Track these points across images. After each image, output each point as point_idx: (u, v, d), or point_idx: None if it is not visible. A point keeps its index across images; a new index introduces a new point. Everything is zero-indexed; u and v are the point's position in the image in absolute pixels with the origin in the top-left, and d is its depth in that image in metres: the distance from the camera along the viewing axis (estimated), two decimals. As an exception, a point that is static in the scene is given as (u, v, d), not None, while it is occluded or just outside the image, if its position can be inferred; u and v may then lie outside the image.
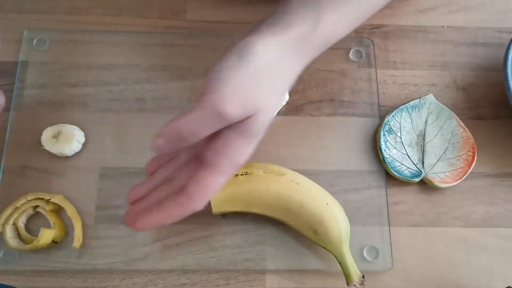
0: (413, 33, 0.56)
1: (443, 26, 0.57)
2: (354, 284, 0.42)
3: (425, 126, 0.51)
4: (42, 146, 0.47)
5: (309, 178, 0.46)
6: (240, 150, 0.36)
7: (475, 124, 0.52)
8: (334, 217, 0.44)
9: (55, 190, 0.47)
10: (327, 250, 0.44)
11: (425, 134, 0.51)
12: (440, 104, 0.52)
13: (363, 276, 0.43)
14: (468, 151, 0.50)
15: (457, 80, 0.54)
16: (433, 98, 0.52)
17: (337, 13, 0.40)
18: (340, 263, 0.44)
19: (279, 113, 0.51)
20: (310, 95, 0.52)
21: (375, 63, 0.54)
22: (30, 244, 0.44)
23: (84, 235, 0.46)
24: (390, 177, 0.50)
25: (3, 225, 0.44)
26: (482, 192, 0.50)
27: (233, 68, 0.35)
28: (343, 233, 0.44)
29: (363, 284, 0.43)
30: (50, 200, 0.45)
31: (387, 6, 0.57)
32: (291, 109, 0.52)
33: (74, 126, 0.49)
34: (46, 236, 0.44)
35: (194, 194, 0.36)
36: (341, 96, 0.53)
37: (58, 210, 0.47)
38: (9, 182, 0.48)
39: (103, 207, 0.47)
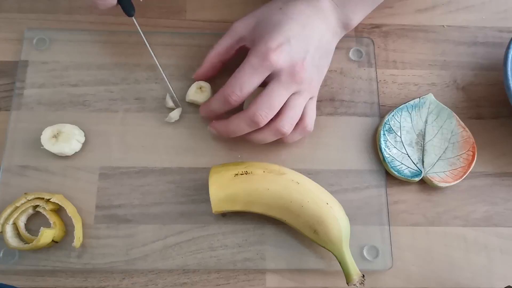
0: (413, 32, 0.56)
1: (443, 26, 0.57)
2: (354, 283, 0.42)
3: (425, 126, 0.51)
4: (42, 146, 0.47)
5: (309, 178, 0.46)
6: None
7: (475, 123, 0.52)
8: (334, 216, 0.44)
9: (55, 189, 0.47)
10: (327, 249, 0.44)
11: (425, 134, 0.51)
12: (440, 103, 0.52)
13: (363, 275, 0.43)
14: (468, 150, 0.50)
15: (457, 79, 0.54)
16: (433, 97, 0.52)
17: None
18: (340, 263, 0.44)
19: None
20: (310, 95, 0.52)
21: (375, 63, 0.54)
22: (30, 244, 0.44)
23: (84, 235, 0.46)
24: (390, 177, 0.50)
25: (3, 225, 0.44)
26: (482, 192, 0.50)
27: None
28: (343, 232, 0.44)
29: (363, 284, 0.43)
30: (50, 200, 0.45)
31: (387, 6, 0.57)
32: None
33: (74, 126, 0.49)
34: (46, 235, 0.44)
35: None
36: (341, 95, 0.53)
37: (58, 210, 0.47)
38: (9, 182, 0.48)
39: (103, 207, 0.47)
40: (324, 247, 0.45)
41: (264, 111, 0.44)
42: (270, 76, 0.44)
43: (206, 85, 0.50)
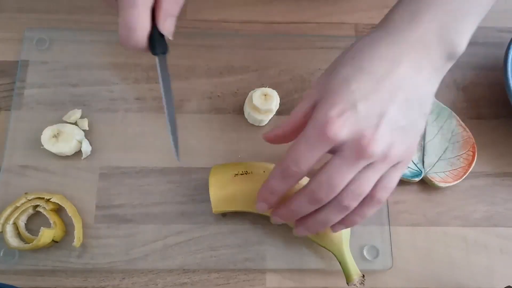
0: (413, 32, 0.56)
1: (443, 26, 0.57)
2: (354, 283, 0.42)
3: (425, 126, 0.51)
4: (42, 146, 0.47)
5: (309, 178, 0.46)
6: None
7: (475, 123, 0.52)
8: None
9: (55, 189, 0.47)
10: (327, 249, 0.44)
11: (425, 134, 0.51)
12: (440, 103, 0.52)
13: (363, 275, 0.43)
14: (468, 150, 0.50)
15: (457, 79, 0.54)
16: (433, 97, 0.52)
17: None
18: (340, 263, 0.44)
19: (278, 113, 0.51)
20: (310, 95, 0.52)
21: (375, 63, 0.54)
22: (30, 244, 0.44)
23: (84, 235, 0.46)
24: (390, 177, 0.50)
25: (3, 225, 0.44)
26: (482, 192, 0.50)
27: None
28: (343, 232, 0.44)
29: (363, 284, 0.43)
30: (50, 200, 0.45)
31: (387, 6, 0.57)
32: (291, 109, 0.51)
33: (74, 126, 0.49)
34: (46, 235, 0.44)
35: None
36: (341, 95, 0.53)
37: (58, 210, 0.47)
38: (9, 182, 0.48)
39: (103, 207, 0.47)
40: (324, 247, 0.45)
41: (324, 190, 0.37)
42: (334, 147, 0.36)
43: (272, 93, 0.47)
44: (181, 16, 0.55)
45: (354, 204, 0.38)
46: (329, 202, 0.38)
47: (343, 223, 0.40)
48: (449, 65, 0.39)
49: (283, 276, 0.47)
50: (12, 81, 0.51)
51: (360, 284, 0.43)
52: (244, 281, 0.46)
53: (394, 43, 0.36)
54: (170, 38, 0.37)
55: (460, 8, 0.37)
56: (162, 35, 0.37)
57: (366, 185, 0.37)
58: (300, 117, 0.38)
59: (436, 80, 0.38)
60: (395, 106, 0.35)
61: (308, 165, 0.37)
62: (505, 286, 0.45)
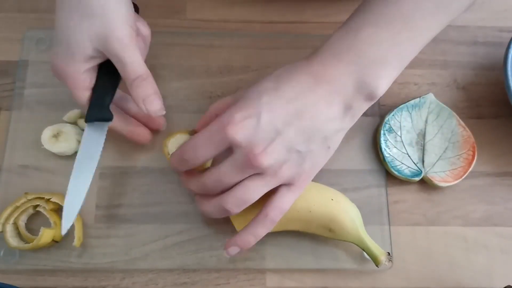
0: (413, 32, 0.56)
1: (443, 25, 0.57)
2: (383, 263, 0.44)
3: (425, 125, 0.51)
4: (43, 146, 0.47)
5: None
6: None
7: (475, 123, 0.52)
8: (343, 209, 0.44)
9: (55, 189, 0.47)
10: (347, 241, 0.45)
11: (425, 133, 0.51)
12: (440, 103, 0.52)
13: (388, 253, 0.44)
14: (468, 150, 0.50)
15: (457, 79, 0.54)
16: (433, 97, 0.52)
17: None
18: (363, 250, 0.45)
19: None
20: (310, 94, 0.52)
21: (375, 62, 0.54)
22: (31, 243, 0.44)
23: (84, 234, 0.46)
24: (390, 176, 0.50)
25: (4, 224, 0.45)
26: (482, 191, 0.50)
27: None
28: (356, 221, 0.45)
29: (391, 261, 0.45)
30: (51, 200, 0.45)
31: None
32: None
33: (74, 126, 0.49)
34: (47, 235, 0.44)
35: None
36: (341, 95, 0.53)
37: (59, 209, 0.47)
38: (9, 182, 0.48)
39: (103, 206, 0.47)
40: (344, 241, 0.45)
41: (212, 184, 0.39)
42: (230, 148, 0.38)
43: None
44: (181, 16, 0.55)
45: (236, 210, 0.39)
46: (214, 199, 0.40)
47: (238, 244, 0.41)
48: (368, 105, 0.40)
49: (283, 276, 0.47)
50: (12, 81, 0.51)
51: (389, 262, 0.44)
52: (244, 280, 0.46)
53: (312, 74, 0.39)
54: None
55: (378, 56, 0.38)
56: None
57: (251, 194, 0.39)
58: (213, 115, 0.42)
59: (349, 118, 0.40)
60: (294, 129, 0.38)
61: (204, 155, 0.39)
62: (505, 286, 0.45)
